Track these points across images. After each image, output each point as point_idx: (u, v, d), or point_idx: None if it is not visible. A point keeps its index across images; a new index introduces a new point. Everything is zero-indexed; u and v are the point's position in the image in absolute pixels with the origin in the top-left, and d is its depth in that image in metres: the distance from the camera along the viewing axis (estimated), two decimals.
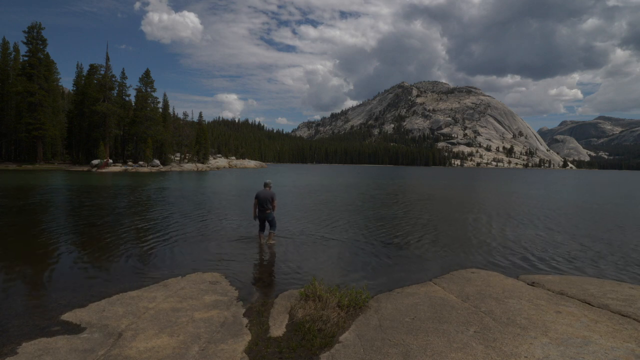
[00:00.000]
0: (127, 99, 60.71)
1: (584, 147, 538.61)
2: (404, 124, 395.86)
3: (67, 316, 4.27)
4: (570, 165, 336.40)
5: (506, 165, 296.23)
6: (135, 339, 3.68)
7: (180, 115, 76.47)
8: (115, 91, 57.99)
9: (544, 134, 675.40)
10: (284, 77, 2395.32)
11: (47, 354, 3.37)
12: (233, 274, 6.11)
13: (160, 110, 63.62)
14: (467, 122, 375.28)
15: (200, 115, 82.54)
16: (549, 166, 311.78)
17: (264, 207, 8.02)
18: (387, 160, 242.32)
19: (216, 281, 5.64)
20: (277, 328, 4.07)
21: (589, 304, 4.62)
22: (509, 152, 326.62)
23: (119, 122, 56.98)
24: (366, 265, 6.94)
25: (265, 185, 8.21)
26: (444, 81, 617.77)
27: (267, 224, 8.30)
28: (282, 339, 3.81)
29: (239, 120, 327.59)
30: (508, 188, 33.09)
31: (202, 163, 70.94)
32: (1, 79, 54.31)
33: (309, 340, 3.75)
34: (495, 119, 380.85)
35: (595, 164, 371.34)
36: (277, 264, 6.88)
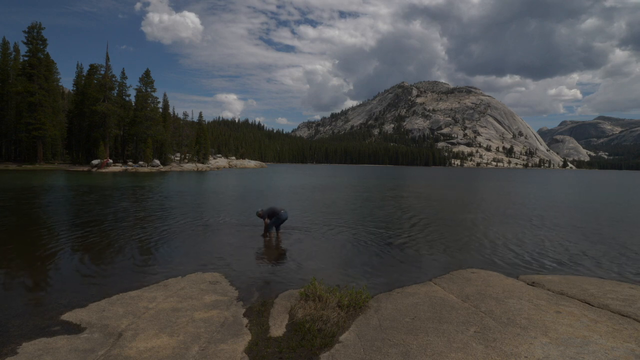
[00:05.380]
0: (127, 99, 60.66)
1: (583, 147, 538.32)
2: (404, 124, 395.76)
3: (67, 316, 4.27)
4: (570, 165, 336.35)
5: (506, 165, 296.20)
6: (135, 339, 3.68)
7: (180, 115, 76.66)
8: (116, 91, 57.95)
9: (543, 134, 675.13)
10: (283, 77, 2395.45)
11: (47, 354, 3.37)
12: (233, 274, 6.11)
13: (160, 110, 63.60)
14: (467, 122, 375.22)
15: (200, 115, 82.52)
16: (549, 166, 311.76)
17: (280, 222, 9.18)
18: (387, 160, 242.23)
19: (216, 281, 5.64)
20: (277, 328, 4.07)
21: (589, 304, 4.62)
22: (509, 152, 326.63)
23: (119, 122, 56.94)
24: (366, 265, 6.94)
25: (275, 209, 9.09)
26: (443, 81, 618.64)
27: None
28: (282, 339, 3.81)
29: (238, 120, 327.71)
30: (508, 188, 33.09)
31: (202, 163, 70.92)
32: (1, 79, 54.21)
33: (309, 340, 3.75)
34: (495, 119, 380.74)
35: (595, 164, 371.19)
36: (277, 264, 6.88)
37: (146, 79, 58.53)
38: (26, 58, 52.08)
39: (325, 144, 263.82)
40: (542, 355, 3.28)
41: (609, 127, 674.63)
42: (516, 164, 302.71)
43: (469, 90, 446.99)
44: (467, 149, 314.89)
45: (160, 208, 14.16)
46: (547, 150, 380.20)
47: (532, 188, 33.88)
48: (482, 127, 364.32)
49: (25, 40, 51.54)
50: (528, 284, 5.61)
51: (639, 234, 10.85)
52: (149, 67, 61.45)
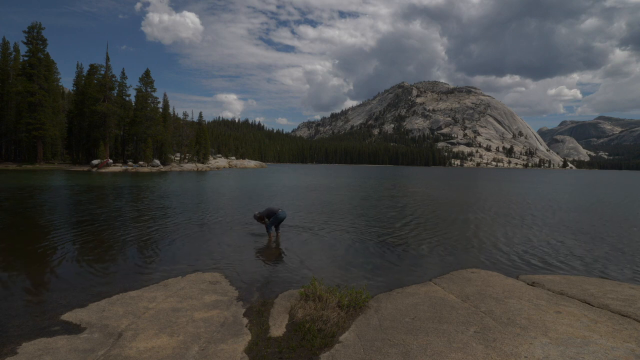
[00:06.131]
0: (127, 99, 60.70)
1: (583, 147, 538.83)
2: (404, 124, 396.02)
3: (67, 316, 4.27)
4: (570, 165, 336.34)
5: (506, 165, 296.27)
6: (135, 339, 3.68)
7: (180, 115, 76.59)
8: (116, 91, 58.01)
9: (543, 134, 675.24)
10: (283, 77, 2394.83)
11: (47, 354, 3.37)
12: (233, 274, 6.11)
13: (160, 110, 63.64)
14: (467, 122, 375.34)
15: (200, 115, 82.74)
16: (549, 166, 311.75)
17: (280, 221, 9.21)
18: (387, 160, 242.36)
19: (216, 281, 5.64)
20: (277, 328, 4.07)
21: (589, 304, 4.62)
22: (509, 152, 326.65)
23: (119, 122, 56.99)
24: (366, 265, 6.93)
25: (272, 209, 9.11)
26: (443, 81, 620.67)
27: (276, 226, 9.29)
28: (282, 339, 3.81)
29: (238, 120, 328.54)
30: (508, 188, 33.08)
31: (202, 163, 70.94)
32: (1, 79, 54.20)
33: (309, 340, 3.75)
34: (495, 119, 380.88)
35: (595, 164, 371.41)
36: (277, 264, 6.88)
37: (146, 79, 58.57)
38: (26, 58, 52.07)
39: (325, 144, 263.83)
40: (542, 355, 3.28)
41: (609, 127, 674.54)
42: (516, 164, 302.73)
43: (468, 90, 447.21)
44: (467, 149, 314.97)
45: (159, 208, 14.16)
46: (547, 150, 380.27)
47: (532, 188, 33.87)
48: (482, 127, 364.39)
49: (25, 40, 51.58)
50: (528, 284, 5.61)
51: (639, 234, 10.84)
52: (149, 67, 61.60)
